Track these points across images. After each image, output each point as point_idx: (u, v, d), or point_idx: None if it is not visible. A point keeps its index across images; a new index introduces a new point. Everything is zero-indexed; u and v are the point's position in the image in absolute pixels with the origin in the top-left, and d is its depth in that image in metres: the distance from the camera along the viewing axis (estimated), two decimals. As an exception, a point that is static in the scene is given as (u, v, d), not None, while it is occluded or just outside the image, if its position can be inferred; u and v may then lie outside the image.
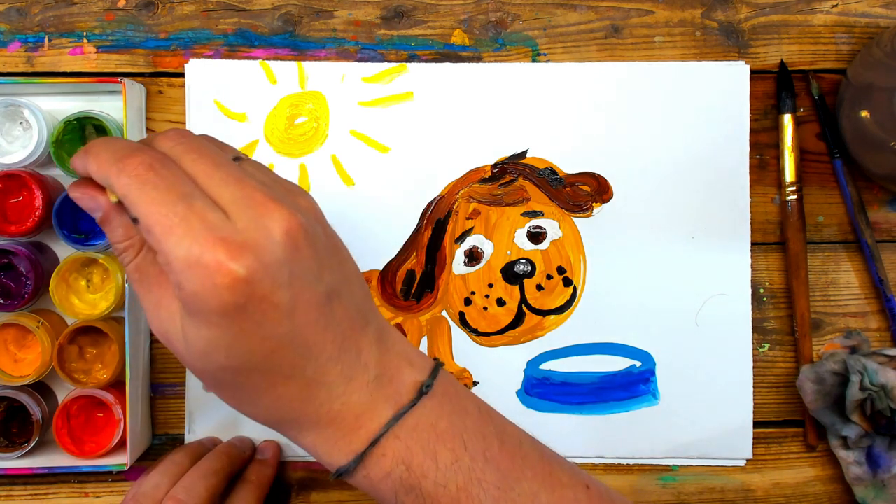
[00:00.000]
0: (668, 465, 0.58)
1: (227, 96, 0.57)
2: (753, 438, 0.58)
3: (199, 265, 0.33)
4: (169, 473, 0.50)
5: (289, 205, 0.36)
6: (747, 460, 0.58)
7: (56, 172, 0.56)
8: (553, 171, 0.57)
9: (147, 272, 0.38)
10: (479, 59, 0.58)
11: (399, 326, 0.57)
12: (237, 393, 0.37)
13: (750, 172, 0.57)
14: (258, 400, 0.37)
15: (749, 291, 0.57)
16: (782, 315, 0.58)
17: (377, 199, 0.57)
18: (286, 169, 0.57)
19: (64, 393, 0.56)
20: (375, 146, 0.57)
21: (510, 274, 0.57)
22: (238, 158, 0.38)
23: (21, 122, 0.55)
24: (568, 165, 0.57)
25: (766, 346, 0.58)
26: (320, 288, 0.36)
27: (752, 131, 0.58)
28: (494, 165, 0.57)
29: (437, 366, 0.41)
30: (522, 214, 0.57)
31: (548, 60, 0.58)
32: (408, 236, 0.57)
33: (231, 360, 0.35)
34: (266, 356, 0.35)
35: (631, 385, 0.57)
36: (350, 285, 0.39)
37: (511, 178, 0.57)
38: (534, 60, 0.58)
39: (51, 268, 0.54)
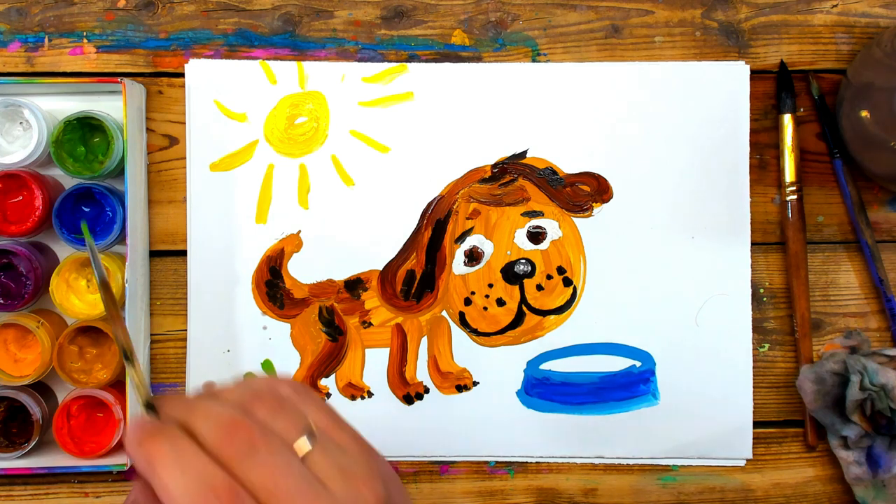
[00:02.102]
0: (668, 465, 0.58)
1: (227, 96, 0.57)
2: (753, 438, 0.58)
3: None
4: None
5: None
6: (747, 460, 0.58)
7: (56, 172, 0.56)
8: (553, 171, 0.57)
9: None
10: (479, 59, 0.58)
11: (399, 326, 0.57)
12: None
13: (750, 172, 0.57)
14: None
15: (749, 291, 0.57)
16: (782, 315, 0.58)
17: (377, 199, 0.57)
18: (286, 169, 0.57)
19: (64, 393, 0.56)
20: (375, 146, 0.57)
21: (510, 274, 0.57)
22: (308, 433, 0.36)
23: (21, 122, 0.55)
24: (568, 165, 0.57)
25: (766, 346, 0.58)
26: None
27: (752, 131, 0.58)
28: (494, 165, 0.57)
29: None
30: (522, 214, 0.57)
31: (548, 60, 0.58)
32: (408, 236, 0.57)
33: None
34: None
35: (631, 385, 0.57)
36: None
37: (511, 178, 0.57)
38: (534, 60, 0.58)
39: (51, 268, 0.54)
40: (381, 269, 0.57)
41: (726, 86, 0.57)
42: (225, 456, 0.34)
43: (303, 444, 0.35)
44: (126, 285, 0.53)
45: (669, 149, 0.57)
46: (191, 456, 0.33)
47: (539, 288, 0.57)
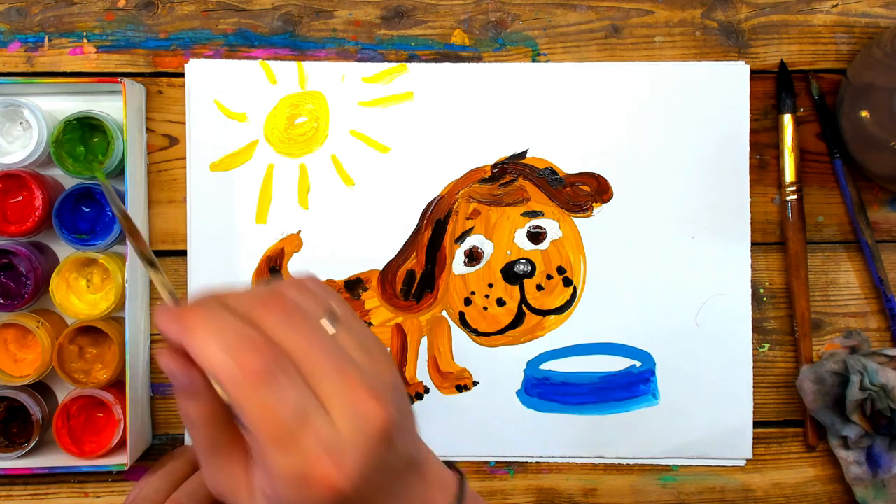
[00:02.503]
0: (668, 465, 0.58)
1: (227, 96, 0.57)
2: (753, 438, 0.58)
3: (304, 479, 0.34)
4: (170, 479, 0.50)
5: (381, 392, 0.36)
6: (747, 460, 0.58)
7: (56, 172, 0.56)
8: (553, 171, 0.57)
9: (218, 444, 0.38)
10: (479, 59, 0.58)
11: (399, 326, 0.57)
12: None
13: (750, 172, 0.57)
14: None
15: (749, 291, 0.57)
16: (782, 315, 0.58)
17: (377, 199, 0.57)
18: (286, 169, 0.57)
19: (64, 393, 0.56)
20: (375, 146, 0.57)
21: (510, 274, 0.57)
22: (331, 313, 0.37)
23: (21, 122, 0.55)
24: (568, 165, 0.57)
25: (766, 346, 0.58)
26: (400, 466, 0.38)
27: (752, 131, 0.58)
28: (494, 165, 0.57)
29: (461, 485, 0.42)
30: (522, 214, 0.57)
31: (548, 60, 0.58)
32: (408, 236, 0.57)
33: None
34: None
35: (631, 385, 0.57)
36: (414, 441, 0.40)
37: (511, 178, 0.57)
38: (534, 60, 0.58)
39: (51, 268, 0.54)
40: (381, 269, 0.57)
41: (726, 86, 0.57)
42: (259, 321, 0.35)
43: (327, 324, 0.37)
44: (126, 285, 0.53)
45: (669, 148, 0.57)
46: (228, 319, 0.34)
47: (539, 288, 0.57)
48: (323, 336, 0.36)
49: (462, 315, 0.57)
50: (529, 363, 0.57)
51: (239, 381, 0.33)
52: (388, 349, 0.40)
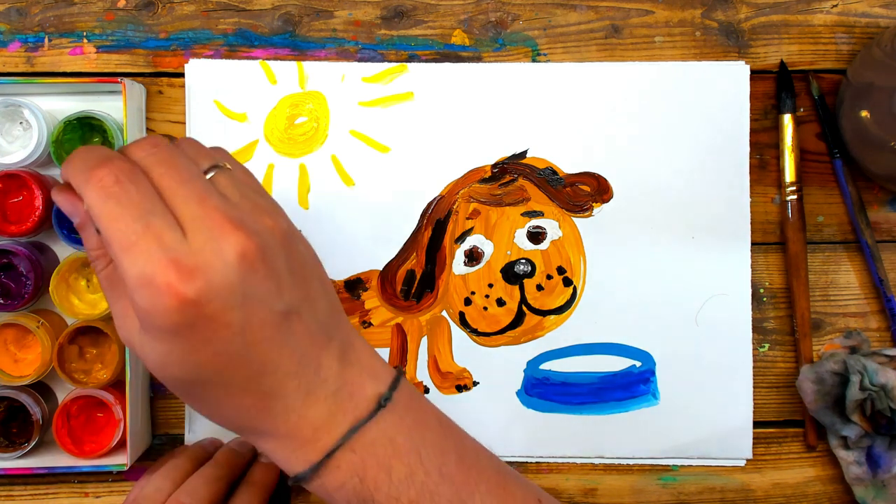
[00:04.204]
0: (668, 465, 0.58)
1: (227, 96, 0.57)
2: (753, 438, 0.58)
3: (150, 285, 0.35)
4: (171, 477, 0.50)
5: (249, 226, 0.37)
6: (747, 460, 0.58)
7: (56, 172, 0.56)
8: (553, 171, 0.57)
9: (116, 281, 0.40)
10: (479, 59, 0.58)
11: (399, 326, 0.57)
12: (196, 401, 0.40)
13: (750, 172, 0.57)
14: (217, 409, 0.39)
15: (749, 291, 0.57)
16: (782, 315, 0.58)
17: (377, 199, 0.57)
18: (286, 169, 0.57)
19: (64, 393, 0.56)
20: (375, 146, 0.57)
21: (510, 274, 0.57)
22: (217, 166, 0.39)
23: (21, 122, 0.55)
24: (568, 165, 0.58)
25: (766, 346, 0.58)
26: (278, 306, 0.38)
27: (752, 131, 0.58)
28: (494, 165, 0.57)
29: (398, 377, 0.42)
30: (522, 214, 0.57)
31: (548, 60, 0.58)
32: (408, 236, 0.57)
33: (184, 373, 0.37)
34: (218, 370, 0.37)
35: (631, 385, 0.57)
36: (313, 303, 0.40)
37: (511, 178, 0.57)
38: (534, 60, 0.58)
39: (51, 268, 0.54)
40: (381, 269, 0.57)
41: (726, 86, 0.57)
42: (137, 159, 0.38)
43: (211, 172, 0.39)
44: (126, 285, 0.53)
45: (669, 149, 0.57)
46: (104, 150, 0.38)
47: (539, 288, 0.57)
48: (193, 174, 0.38)
49: (462, 315, 0.57)
50: (529, 363, 0.57)
51: (89, 190, 0.36)
52: (278, 203, 0.42)
